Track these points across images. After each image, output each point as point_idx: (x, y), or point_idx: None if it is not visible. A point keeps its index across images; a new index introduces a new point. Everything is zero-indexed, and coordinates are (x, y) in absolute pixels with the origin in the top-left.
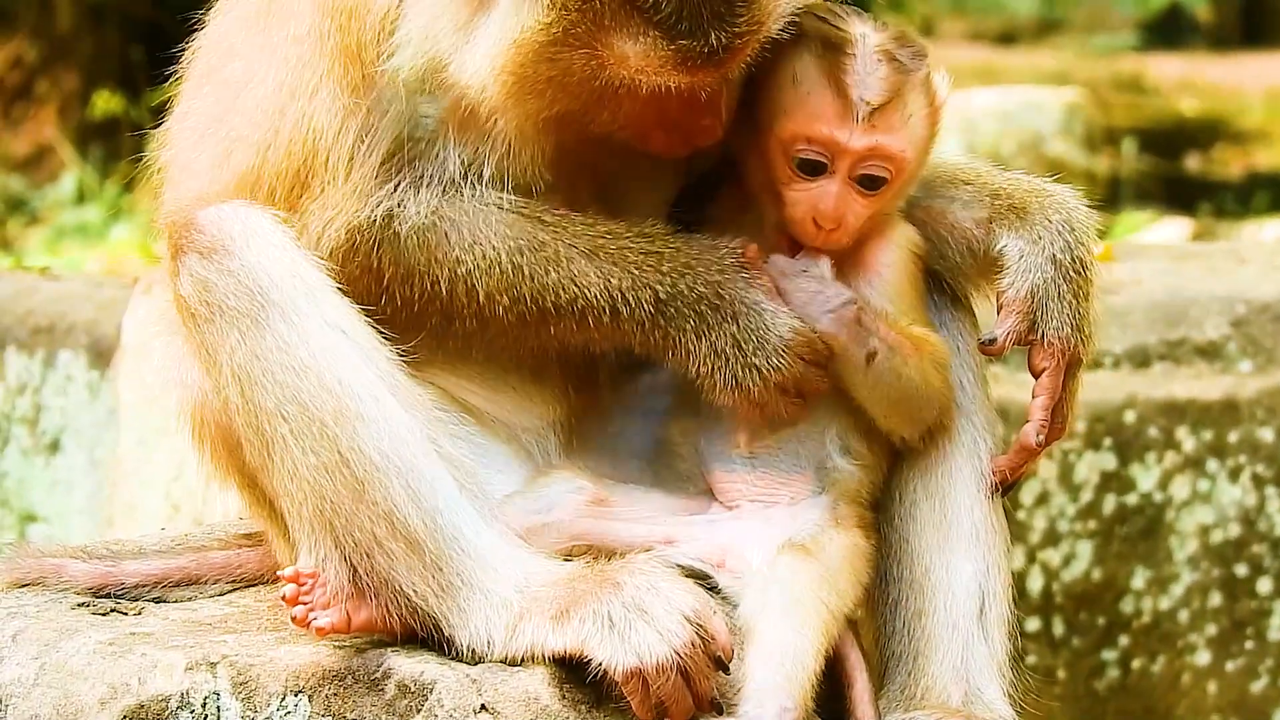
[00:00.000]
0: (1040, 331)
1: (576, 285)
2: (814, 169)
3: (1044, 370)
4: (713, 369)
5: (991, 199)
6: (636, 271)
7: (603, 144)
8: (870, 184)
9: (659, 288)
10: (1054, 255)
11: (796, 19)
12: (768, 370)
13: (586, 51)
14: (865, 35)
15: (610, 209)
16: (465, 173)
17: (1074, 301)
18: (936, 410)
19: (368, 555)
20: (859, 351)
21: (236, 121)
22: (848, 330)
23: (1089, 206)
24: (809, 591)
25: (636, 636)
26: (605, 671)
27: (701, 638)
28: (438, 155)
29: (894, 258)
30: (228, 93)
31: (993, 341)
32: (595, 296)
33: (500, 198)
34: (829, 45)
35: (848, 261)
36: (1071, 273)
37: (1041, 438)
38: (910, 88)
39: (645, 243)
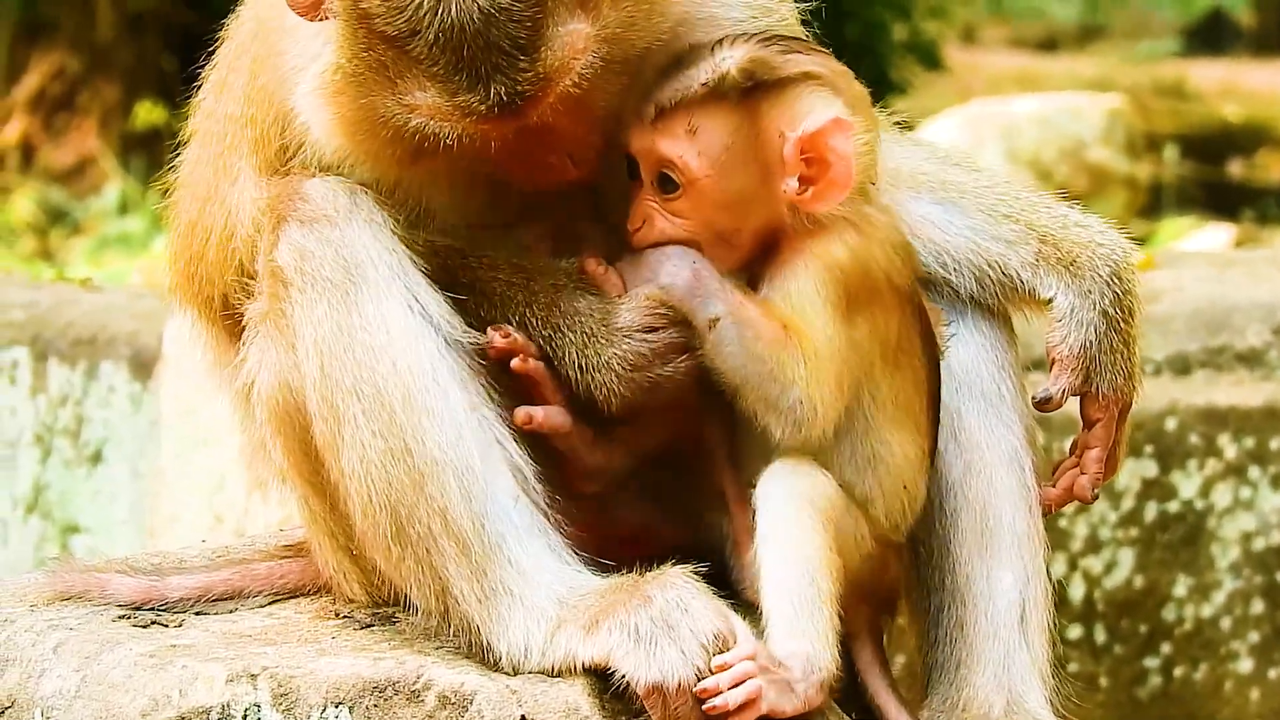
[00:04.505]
0: (1094, 385)
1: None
2: (634, 173)
3: (1098, 421)
4: (582, 386)
5: (1039, 244)
6: (500, 305)
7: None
8: (665, 185)
9: (512, 320)
10: (1105, 310)
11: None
12: (617, 362)
13: (383, 98)
14: (725, 58)
15: (573, 246)
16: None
17: (1125, 350)
18: (798, 399)
19: (427, 550)
20: (701, 313)
21: (192, 184)
22: (684, 286)
23: (1130, 239)
24: (810, 510)
25: (660, 653)
26: (629, 684)
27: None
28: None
29: (810, 258)
30: (197, 152)
31: (1048, 400)
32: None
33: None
34: (679, 59)
35: (768, 255)
36: (1120, 323)
37: (1098, 492)
38: (707, 103)
39: (508, 273)
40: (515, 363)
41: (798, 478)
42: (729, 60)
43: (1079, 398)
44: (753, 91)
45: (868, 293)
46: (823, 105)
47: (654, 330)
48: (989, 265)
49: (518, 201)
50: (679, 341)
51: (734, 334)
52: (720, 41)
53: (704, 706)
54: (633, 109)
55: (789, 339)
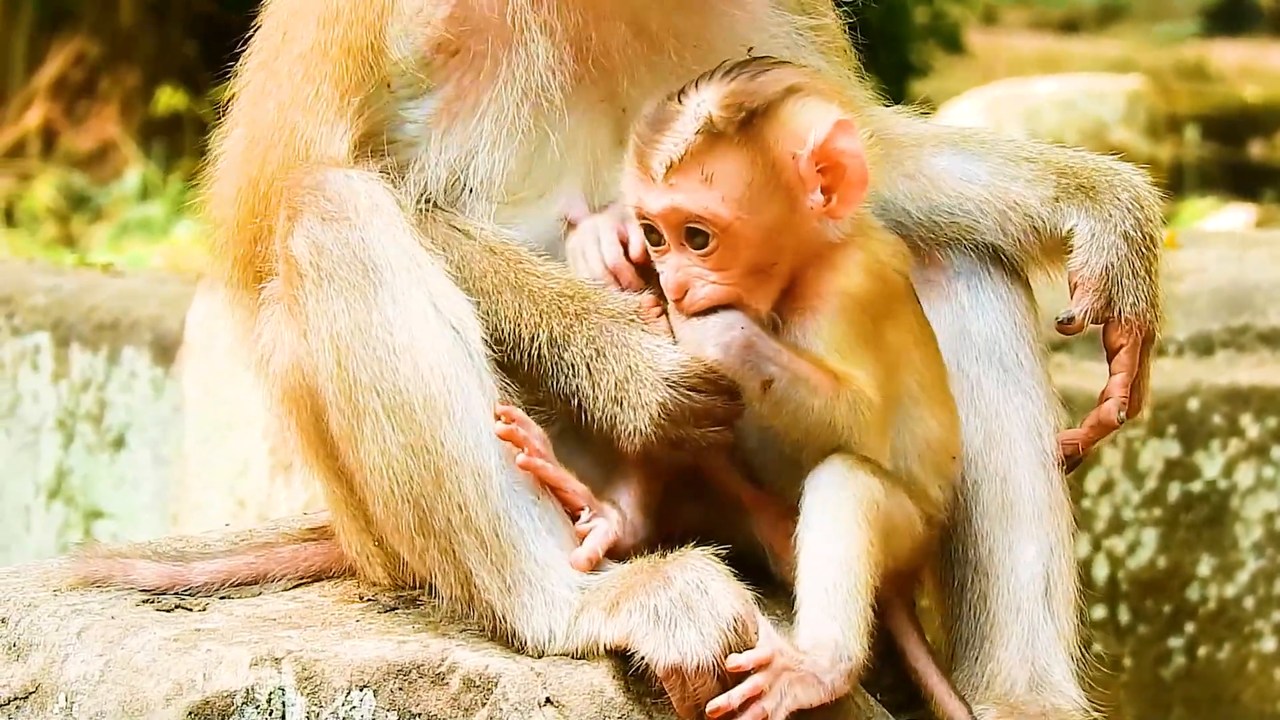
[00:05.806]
0: (1116, 309)
1: (498, 316)
2: (656, 240)
3: (1121, 347)
4: (606, 415)
5: (1058, 177)
6: (546, 309)
7: None
8: (700, 242)
9: (555, 326)
10: (1126, 232)
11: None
12: (656, 407)
13: None
14: (701, 102)
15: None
16: (447, 186)
17: (1147, 278)
18: (856, 444)
19: (449, 541)
20: (753, 378)
21: (244, 159)
22: (735, 355)
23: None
24: (856, 505)
25: (680, 634)
26: (648, 665)
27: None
28: (420, 164)
29: (833, 297)
30: (247, 134)
31: (1070, 320)
32: (509, 331)
33: (463, 223)
34: (649, 117)
35: (787, 297)
36: (1143, 249)
37: (1123, 414)
38: (712, 148)
39: (562, 284)
40: (521, 459)
41: (850, 472)
42: (706, 104)
43: (1102, 329)
44: (750, 122)
45: (887, 300)
46: (819, 113)
47: (699, 391)
48: (1010, 208)
49: (557, 164)
50: (719, 412)
51: (791, 393)
52: (684, 91)
53: None
54: (634, 168)
55: (840, 387)
